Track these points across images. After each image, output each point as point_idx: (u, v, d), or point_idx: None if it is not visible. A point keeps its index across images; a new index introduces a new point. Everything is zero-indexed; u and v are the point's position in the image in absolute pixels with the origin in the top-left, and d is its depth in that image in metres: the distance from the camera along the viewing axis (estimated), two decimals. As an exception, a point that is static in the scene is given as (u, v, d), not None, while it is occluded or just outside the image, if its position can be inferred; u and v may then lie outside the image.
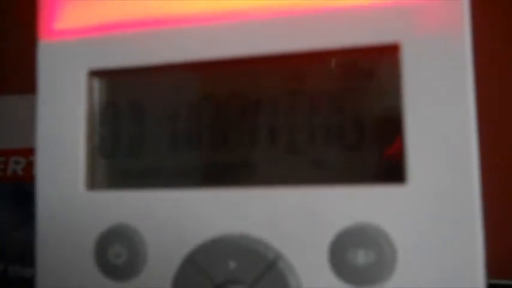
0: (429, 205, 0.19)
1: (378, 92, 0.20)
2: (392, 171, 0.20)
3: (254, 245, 0.20)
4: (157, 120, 0.23)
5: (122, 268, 0.22)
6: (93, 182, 0.23)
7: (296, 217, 0.20)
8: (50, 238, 0.23)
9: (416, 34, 0.20)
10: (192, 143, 0.22)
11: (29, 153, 0.32)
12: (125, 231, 0.22)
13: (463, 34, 0.19)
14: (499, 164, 0.33)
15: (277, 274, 0.20)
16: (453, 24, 0.19)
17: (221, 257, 0.21)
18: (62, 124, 0.23)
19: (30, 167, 0.32)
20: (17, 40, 0.42)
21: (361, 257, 0.19)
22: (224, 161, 0.22)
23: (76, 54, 0.23)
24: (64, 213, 0.23)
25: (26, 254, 0.32)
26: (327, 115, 0.21)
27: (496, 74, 0.35)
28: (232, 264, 0.20)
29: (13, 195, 0.32)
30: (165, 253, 0.21)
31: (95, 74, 0.23)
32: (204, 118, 0.22)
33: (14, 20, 0.43)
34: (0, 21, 0.44)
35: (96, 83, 0.23)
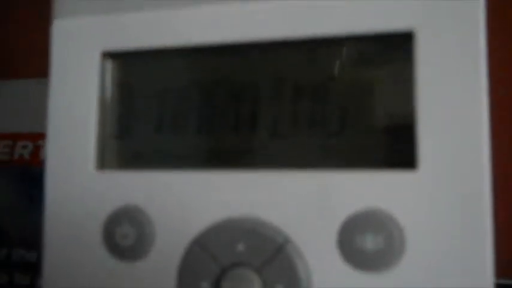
0: (439, 192, 0.19)
1: (391, 78, 0.20)
2: (403, 157, 0.20)
3: (262, 228, 0.20)
4: (167, 103, 0.23)
5: (130, 249, 0.22)
6: (103, 163, 0.23)
7: (305, 201, 0.20)
8: (58, 218, 0.23)
9: (431, 21, 0.20)
10: (203, 126, 0.22)
11: (36, 137, 0.32)
12: (133, 212, 0.22)
13: (477, 23, 0.19)
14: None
15: (285, 258, 0.20)
16: (468, 13, 0.19)
17: (229, 240, 0.21)
18: (74, 104, 0.23)
19: (37, 151, 0.32)
20: (28, 24, 0.42)
21: (369, 243, 0.19)
22: (234, 144, 0.22)
23: (89, 35, 0.23)
24: (73, 193, 0.23)
25: (31, 238, 0.32)
26: (336, 100, 0.21)
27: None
28: (240, 247, 0.20)
29: (19, 179, 0.32)
30: (172, 235, 0.21)
31: (108, 55, 0.23)
32: (215, 101, 0.22)
33: (25, 5, 0.43)
34: (10, 7, 0.45)
35: (109, 64, 0.23)
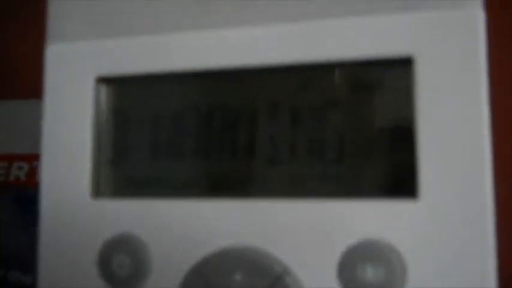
0: (441, 222, 0.19)
1: (390, 105, 0.20)
2: (403, 186, 0.19)
3: (261, 258, 0.20)
4: (164, 129, 0.22)
5: (126, 279, 0.21)
6: (98, 190, 0.22)
7: (304, 231, 0.20)
8: (52, 246, 0.22)
9: (431, 47, 0.19)
10: (199, 154, 0.22)
11: (32, 158, 0.32)
12: (129, 240, 0.21)
13: (478, 47, 0.19)
14: None
15: (284, 288, 0.20)
16: (468, 37, 0.19)
17: (227, 269, 0.20)
18: (68, 131, 0.23)
19: (33, 172, 0.32)
20: (23, 45, 0.42)
21: (370, 273, 0.19)
22: (231, 172, 0.21)
23: (83, 60, 0.23)
24: (68, 221, 0.22)
25: (27, 260, 0.32)
26: (335, 128, 0.21)
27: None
28: (238, 277, 0.20)
29: (15, 201, 0.32)
30: (170, 264, 0.21)
31: (102, 80, 0.23)
32: (211, 128, 0.22)
33: (21, 25, 0.43)
34: (6, 26, 0.44)
35: (104, 90, 0.23)
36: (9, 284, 0.32)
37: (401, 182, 0.19)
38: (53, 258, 0.22)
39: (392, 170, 0.20)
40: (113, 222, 0.22)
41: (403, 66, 0.20)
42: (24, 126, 0.32)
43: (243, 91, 0.22)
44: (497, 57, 0.22)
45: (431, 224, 0.19)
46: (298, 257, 0.20)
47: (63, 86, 0.23)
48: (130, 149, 0.23)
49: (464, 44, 0.19)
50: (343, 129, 0.20)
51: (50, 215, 0.23)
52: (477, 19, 0.19)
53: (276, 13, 0.21)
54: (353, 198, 0.19)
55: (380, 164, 0.20)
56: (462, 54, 0.19)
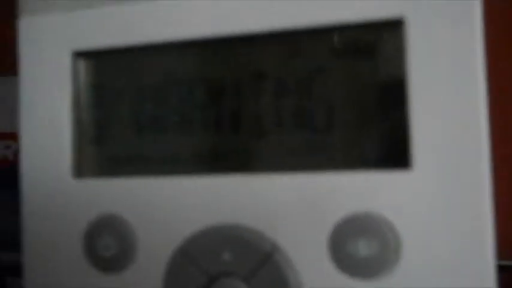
0: (436, 192, 0.18)
1: (381, 70, 0.19)
2: (396, 156, 0.18)
3: (249, 235, 0.19)
4: (146, 104, 0.21)
5: (112, 260, 0.21)
6: (80, 170, 0.22)
7: (293, 206, 0.19)
8: (36, 229, 0.22)
9: (422, 8, 0.18)
10: (182, 129, 0.21)
11: (14, 137, 0.31)
12: (113, 221, 0.21)
13: (473, 8, 0.18)
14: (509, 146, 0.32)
15: (273, 267, 0.19)
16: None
17: (214, 248, 0.19)
18: (46, 109, 0.22)
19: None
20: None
21: (363, 248, 0.18)
22: (217, 147, 0.20)
23: (58, 33, 0.22)
24: (50, 202, 0.21)
25: (17, 239, 0.31)
26: (324, 97, 0.19)
27: (508, 49, 0.33)
28: (226, 256, 0.19)
29: (4, 180, 0.31)
30: (156, 244, 0.20)
31: (79, 54, 0.22)
32: (194, 101, 0.21)
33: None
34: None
35: (82, 65, 0.22)
36: (3, 265, 0.31)
37: (393, 152, 0.18)
38: (37, 242, 0.22)
39: (384, 140, 0.19)
40: (97, 202, 0.21)
41: (393, 29, 0.18)
42: (9, 104, 0.31)
43: (227, 61, 0.21)
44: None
45: (425, 195, 0.18)
46: (287, 233, 0.19)
47: (38, 61, 0.22)
48: (112, 126, 0.22)
49: (459, 6, 0.18)
50: (332, 98, 0.19)
51: (31, 197, 0.22)
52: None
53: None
54: (344, 170, 0.19)
55: (371, 133, 0.19)
56: (455, 16, 0.18)
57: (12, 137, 0.31)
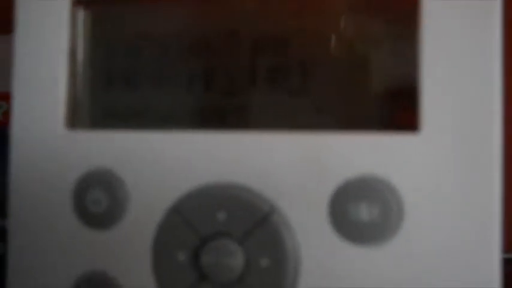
0: (444, 158, 0.17)
1: (392, 29, 0.18)
2: (404, 118, 0.18)
3: (246, 195, 0.18)
4: (145, 58, 0.21)
5: (101, 216, 0.20)
6: (74, 121, 0.21)
7: (294, 166, 0.18)
8: (24, 182, 0.21)
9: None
10: (180, 84, 0.20)
11: (10, 97, 0.30)
12: (105, 175, 0.20)
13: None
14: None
15: (270, 229, 0.18)
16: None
17: (209, 208, 0.19)
18: (41, 59, 0.21)
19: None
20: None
21: (364, 213, 0.17)
22: (216, 102, 0.20)
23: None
24: (41, 155, 0.21)
25: (6, 203, 0.30)
26: (331, 54, 0.19)
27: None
28: (221, 216, 0.19)
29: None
30: (148, 201, 0.19)
31: (79, 3, 0.21)
32: (194, 57, 0.20)
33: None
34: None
35: (80, 14, 0.21)
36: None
37: (401, 113, 0.18)
38: (25, 197, 0.21)
39: (391, 101, 0.18)
40: (88, 155, 0.20)
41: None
42: (1, 62, 0.30)
43: (227, 16, 0.20)
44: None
45: (433, 160, 0.17)
46: (286, 194, 0.18)
47: (35, 10, 0.21)
48: (107, 79, 0.21)
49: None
50: (337, 57, 0.19)
51: (21, 150, 0.21)
52: None
53: None
54: (347, 132, 0.18)
55: (378, 94, 0.18)
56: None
57: (2, 97, 0.30)
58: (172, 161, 0.19)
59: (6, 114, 0.30)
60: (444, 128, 0.17)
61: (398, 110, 0.18)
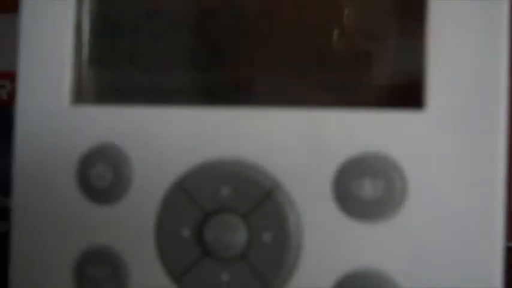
0: (449, 135, 0.17)
1: (397, 4, 0.18)
2: (408, 94, 0.17)
3: (249, 171, 0.18)
4: (149, 34, 0.21)
5: (105, 191, 0.20)
6: (79, 97, 0.21)
7: (297, 143, 0.18)
8: (28, 157, 0.21)
9: None
10: (184, 59, 0.20)
11: (14, 76, 0.30)
12: (109, 150, 0.20)
13: None
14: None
15: (274, 205, 0.18)
16: None
17: (213, 183, 0.19)
18: (47, 34, 0.21)
19: (15, 91, 0.30)
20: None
21: (368, 189, 0.17)
22: (219, 78, 0.20)
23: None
24: (45, 129, 0.21)
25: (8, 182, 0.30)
26: (333, 30, 0.19)
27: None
28: (224, 191, 0.19)
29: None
30: (152, 176, 0.19)
31: (85, -22, 0.21)
32: (198, 33, 0.20)
33: None
34: None
35: (86, -10, 0.21)
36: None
37: (406, 90, 0.18)
38: (29, 172, 0.21)
39: (396, 77, 0.18)
40: (93, 130, 0.20)
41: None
42: (4, 43, 0.30)
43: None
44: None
45: (437, 138, 0.17)
46: (289, 170, 0.18)
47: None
48: (111, 55, 0.21)
49: None
50: (342, 30, 0.19)
51: (25, 124, 0.21)
52: None
53: None
54: (351, 108, 0.18)
55: (383, 70, 0.18)
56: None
57: (5, 76, 0.31)
58: (177, 136, 0.19)
59: (11, 94, 0.30)
60: (449, 105, 0.17)
61: (402, 86, 0.18)
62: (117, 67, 0.21)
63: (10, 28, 0.29)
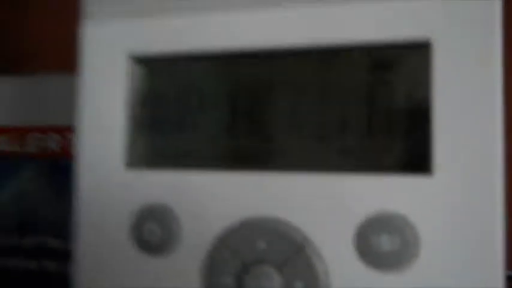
0: (454, 197, 0.20)
1: (407, 83, 0.21)
2: (419, 162, 0.20)
3: (283, 227, 0.21)
4: (192, 105, 0.24)
5: (157, 244, 0.23)
6: (132, 162, 0.24)
7: (323, 203, 0.21)
8: (88, 214, 0.24)
9: (448, 31, 0.20)
10: (225, 128, 0.23)
11: (65, 131, 0.34)
12: (160, 209, 0.23)
13: (494, 33, 0.20)
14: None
15: (304, 257, 0.21)
16: (484, 23, 0.20)
17: (251, 238, 0.22)
18: (103, 105, 0.24)
19: (66, 144, 0.34)
20: (52, 20, 0.43)
21: (385, 243, 0.20)
22: (255, 146, 0.23)
23: (117, 39, 0.24)
24: (103, 190, 0.24)
25: (60, 226, 0.34)
26: (355, 104, 0.22)
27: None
28: (261, 245, 0.22)
29: (49, 171, 0.34)
30: (198, 232, 0.22)
31: (135, 58, 0.24)
32: (237, 105, 0.23)
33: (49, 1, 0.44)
34: (35, 2, 0.46)
35: (136, 67, 0.24)
36: (43, 249, 0.34)
37: (417, 158, 0.20)
38: (89, 226, 0.24)
39: (408, 147, 0.21)
40: (145, 192, 0.23)
41: (421, 49, 0.21)
42: (57, 99, 0.34)
43: (266, 71, 0.23)
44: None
45: (444, 199, 0.20)
46: (317, 227, 0.21)
47: (98, 63, 0.24)
48: (160, 124, 0.24)
49: (480, 30, 0.20)
50: (362, 107, 0.22)
51: (86, 185, 0.24)
52: (493, 5, 0.20)
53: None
54: (371, 173, 0.21)
55: (397, 141, 0.21)
56: (478, 39, 0.20)
57: (58, 130, 0.34)
58: (219, 197, 0.22)
59: (61, 147, 0.34)
60: (454, 171, 0.20)
61: (414, 154, 0.21)
62: (163, 135, 0.24)
63: (63, 86, 0.33)
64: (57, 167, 0.34)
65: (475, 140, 0.20)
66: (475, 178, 0.20)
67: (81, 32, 0.25)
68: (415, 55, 0.21)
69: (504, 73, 0.20)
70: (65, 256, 0.33)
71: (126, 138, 0.24)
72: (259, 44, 0.22)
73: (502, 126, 0.20)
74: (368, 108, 0.21)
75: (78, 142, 0.25)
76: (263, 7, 0.22)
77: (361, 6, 0.21)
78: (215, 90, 0.23)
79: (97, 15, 0.25)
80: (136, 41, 0.24)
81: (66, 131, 0.34)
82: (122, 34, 0.24)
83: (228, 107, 0.23)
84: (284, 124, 0.22)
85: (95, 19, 0.25)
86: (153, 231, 0.23)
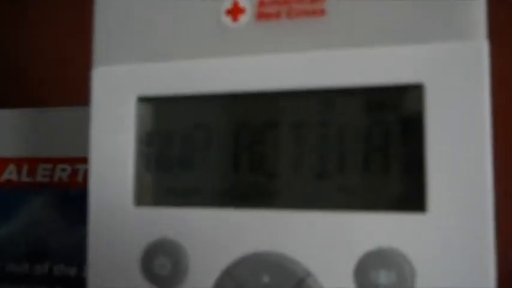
0: (447, 234, 0.21)
1: (402, 124, 0.22)
2: (413, 200, 0.22)
3: (285, 262, 0.23)
4: (198, 144, 0.25)
5: (166, 278, 0.24)
6: (141, 199, 0.25)
7: (324, 239, 0.22)
8: (100, 249, 0.25)
9: (439, 75, 0.22)
10: (231, 167, 0.24)
11: (74, 161, 0.35)
12: (169, 245, 0.24)
13: (482, 75, 0.21)
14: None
15: (306, 290, 0.22)
16: (473, 66, 0.21)
17: (255, 271, 0.23)
18: (113, 144, 0.25)
19: (75, 174, 0.35)
20: (63, 52, 0.44)
21: (383, 278, 0.21)
22: (259, 184, 0.24)
23: (127, 81, 0.25)
24: (114, 226, 0.25)
25: (70, 254, 0.35)
26: (353, 144, 0.23)
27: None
28: (265, 278, 0.23)
29: (59, 200, 0.35)
30: (205, 266, 0.24)
31: (143, 100, 0.25)
32: (241, 144, 0.24)
33: (60, 32, 0.46)
34: (44, 33, 0.47)
35: (144, 107, 0.25)
36: (54, 276, 0.35)
37: (412, 197, 0.22)
38: (101, 260, 0.25)
39: (404, 186, 0.22)
40: (154, 228, 0.24)
41: (415, 90, 0.22)
42: (66, 131, 0.35)
43: (269, 111, 0.24)
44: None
45: (437, 235, 0.21)
46: (319, 262, 0.22)
47: (108, 104, 0.26)
48: (168, 162, 0.25)
49: (469, 72, 0.21)
50: (360, 146, 0.23)
51: (97, 222, 0.25)
52: (481, 49, 0.21)
53: (302, 43, 0.23)
54: (369, 211, 0.22)
55: (393, 180, 0.22)
56: (468, 82, 0.21)
57: (67, 161, 0.35)
58: (225, 233, 0.23)
59: (71, 177, 0.35)
60: (447, 209, 0.21)
61: (410, 194, 0.22)
62: (171, 173, 0.25)
63: (73, 119, 0.34)
64: (67, 196, 0.35)
65: (467, 179, 0.21)
66: (467, 215, 0.21)
67: (93, 75, 0.26)
68: (409, 97, 0.22)
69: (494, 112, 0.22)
70: (75, 284, 0.34)
71: (134, 177, 0.25)
72: (263, 86, 0.24)
73: (492, 165, 0.21)
74: (365, 147, 0.23)
75: (90, 181, 0.26)
76: (266, 53, 0.24)
77: (359, 52, 0.23)
78: (220, 130, 0.25)
79: (107, 61, 0.26)
80: (144, 84, 0.25)
81: (74, 162, 0.35)
82: (132, 77, 0.25)
83: (233, 146, 0.24)
84: (287, 163, 0.24)
85: (106, 64, 0.26)
86: (163, 265, 0.24)
